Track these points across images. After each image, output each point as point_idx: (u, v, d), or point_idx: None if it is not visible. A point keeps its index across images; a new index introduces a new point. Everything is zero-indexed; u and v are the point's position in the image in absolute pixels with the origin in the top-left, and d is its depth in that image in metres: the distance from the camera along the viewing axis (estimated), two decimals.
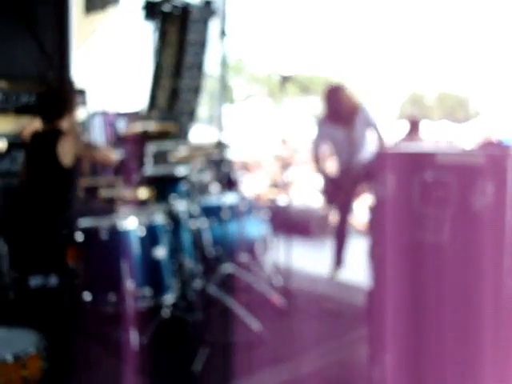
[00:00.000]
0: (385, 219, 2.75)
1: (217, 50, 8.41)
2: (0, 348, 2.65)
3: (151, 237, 4.12)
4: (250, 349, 3.92)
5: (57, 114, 3.65)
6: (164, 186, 4.68)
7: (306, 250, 6.97)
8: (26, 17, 5.83)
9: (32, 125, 3.84)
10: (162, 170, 5.18)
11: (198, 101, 8.40)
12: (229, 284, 4.64)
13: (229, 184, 5.81)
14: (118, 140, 6.72)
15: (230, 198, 5.27)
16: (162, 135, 5.48)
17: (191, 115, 8.33)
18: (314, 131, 5.60)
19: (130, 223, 4.04)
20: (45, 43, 5.92)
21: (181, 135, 7.81)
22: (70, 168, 3.60)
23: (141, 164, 4.90)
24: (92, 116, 6.99)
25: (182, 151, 5.71)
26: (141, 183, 4.81)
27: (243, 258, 4.99)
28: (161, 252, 4.13)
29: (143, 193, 4.79)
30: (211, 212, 4.97)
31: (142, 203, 4.73)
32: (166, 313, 4.09)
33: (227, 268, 4.76)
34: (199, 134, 9.04)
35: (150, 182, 4.84)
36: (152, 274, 4.07)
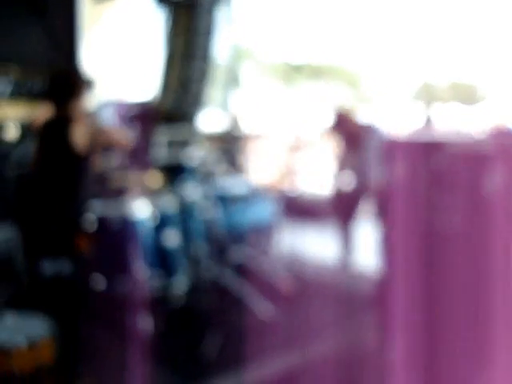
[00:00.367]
0: (396, 207, 2.76)
1: (226, 38, 8.38)
2: (13, 334, 2.69)
3: (162, 224, 4.14)
4: (260, 335, 3.94)
5: (67, 98, 3.64)
6: (175, 174, 4.70)
7: (317, 237, 6.96)
8: (36, 5, 5.84)
9: (44, 113, 3.84)
10: (173, 158, 5.19)
11: (208, 88, 8.39)
12: (240, 271, 4.66)
13: (239, 171, 5.81)
14: (128, 125, 6.73)
15: (240, 186, 5.28)
16: (172, 122, 5.46)
17: (201, 103, 8.32)
18: (334, 164, 5.55)
19: (142, 211, 4.06)
20: (55, 31, 5.93)
21: (191, 123, 7.81)
22: (81, 154, 3.60)
23: (151, 151, 4.91)
24: (102, 105, 7.00)
25: (192, 138, 5.71)
26: (152, 171, 4.82)
27: (254, 244, 5.00)
28: (172, 239, 4.15)
29: (154, 180, 4.81)
30: (222, 199, 4.98)
31: (153, 191, 4.74)
32: (177, 300, 4.11)
33: (238, 255, 4.77)
34: (209, 121, 9.03)
35: (161, 169, 4.85)
36: (163, 261, 4.10)
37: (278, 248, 5.42)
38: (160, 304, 4.02)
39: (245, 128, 7.86)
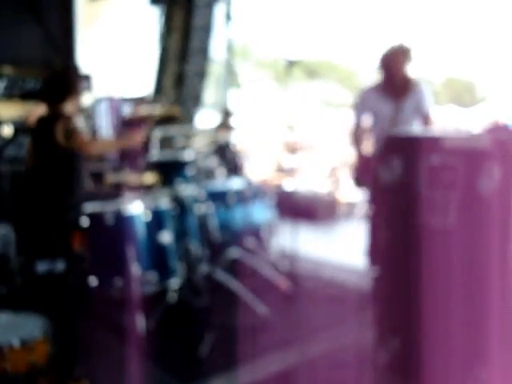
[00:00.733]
0: (392, 203, 2.75)
1: (222, 35, 8.38)
2: (7, 333, 2.67)
3: (157, 222, 4.12)
4: (255, 333, 3.93)
5: (61, 98, 3.64)
6: (170, 171, 4.67)
7: (312, 235, 6.97)
8: (31, 3, 5.82)
9: (37, 110, 3.83)
10: (167, 155, 5.17)
11: (204, 85, 8.38)
12: (235, 268, 4.65)
13: (235, 169, 5.80)
14: (124, 125, 6.71)
15: (235, 183, 5.27)
16: (167, 119, 5.45)
17: (197, 100, 8.32)
18: (357, 99, 4.75)
19: (136, 208, 4.04)
20: (50, 29, 5.91)
21: (186, 120, 7.80)
22: (75, 151, 3.58)
23: (146, 149, 4.89)
24: (98, 101, 6.99)
25: (187, 136, 5.70)
26: (146, 168, 4.81)
27: (249, 242, 4.99)
28: (166, 237, 4.14)
29: (149, 178, 4.79)
30: (217, 197, 4.97)
31: (147, 188, 4.73)
32: (172, 297, 4.10)
33: (233, 253, 4.76)
34: (205, 118, 9.03)
35: (156, 167, 4.84)
36: (158, 258, 4.08)
37: (274, 245, 5.42)
38: (154, 301, 4.01)
39: (241, 125, 7.85)
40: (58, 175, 3.59)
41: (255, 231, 5.12)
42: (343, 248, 6.24)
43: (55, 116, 3.57)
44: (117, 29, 9.31)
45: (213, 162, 6.20)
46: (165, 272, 4.10)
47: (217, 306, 4.25)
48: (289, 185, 8.34)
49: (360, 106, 4.68)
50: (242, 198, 5.11)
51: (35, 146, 3.71)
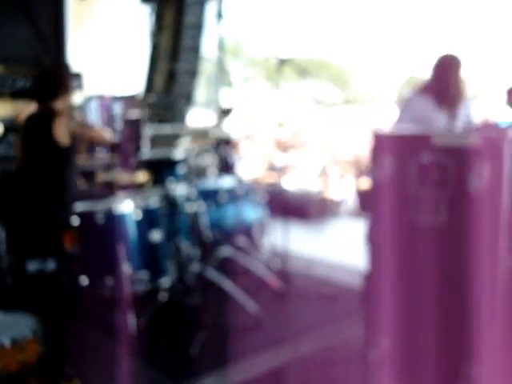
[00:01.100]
0: (382, 201, 2.75)
1: (214, 33, 8.36)
2: None
3: (148, 220, 4.11)
4: (247, 332, 3.93)
5: (51, 95, 3.63)
6: (161, 170, 4.67)
7: (304, 233, 6.97)
8: (22, 1, 5.79)
9: (28, 108, 3.82)
10: (159, 154, 5.16)
11: (195, 84, 8.36)
12: (226, 267, 4.64)
13: (226, 167, 5.79)
14: (115, 123, 6.69)
15: (227, 182, 5.26)
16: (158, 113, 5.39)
17: (188, 98, 8.30)
18: (401, 106, 4.15)
19: (127, 207, 4.03)
20: (41, 27, 5.88)
21: (178, 119, 7.79)
22: (65, 149, 3.58)
23: (137, 147, 4.88)
24: (88, 100, 6.96)
25: (179, 134, 5.69)
26: (138, 167, 4.79)
27: (241, 241, 4.99)
28: (157, 236, 4.13)
29: (140, 176, 4.78)
30: (208, 195, 4.97)
31: (138, 187, 4.72)
32: (163, 296, 4.09)
33: (225, 251, 4.76)
34: (196, 117, 9.01)
35: (147, 165, 4.83)
36: (149, 257, 4.08)
37: (266, 244, 5.42)
38: (145, 300, 4.00)
39: (233, 124, 7.84)
40: (51, 173, 3.58)
41: (247, 230, 5.11)
42: (334, 246, 6.26)
43: (47, 113, 3.57)
44: (108, 27, 9.28)
45: (204, 160, 6.19)
46: (156, 271, 4.09)
47: (208, 304, 4.25)
48: (280, 183, 8.34)
49: (406, 114, 4.05)
50: (234, 196, 5.11)
51: (26, 143, 3.70)
